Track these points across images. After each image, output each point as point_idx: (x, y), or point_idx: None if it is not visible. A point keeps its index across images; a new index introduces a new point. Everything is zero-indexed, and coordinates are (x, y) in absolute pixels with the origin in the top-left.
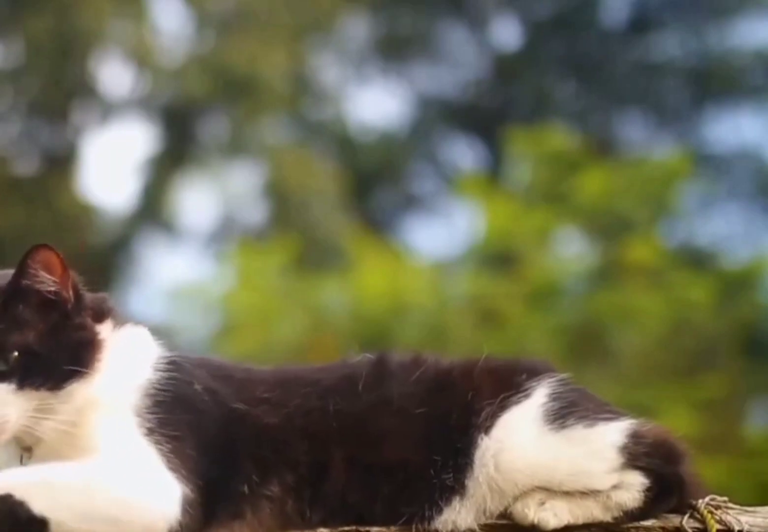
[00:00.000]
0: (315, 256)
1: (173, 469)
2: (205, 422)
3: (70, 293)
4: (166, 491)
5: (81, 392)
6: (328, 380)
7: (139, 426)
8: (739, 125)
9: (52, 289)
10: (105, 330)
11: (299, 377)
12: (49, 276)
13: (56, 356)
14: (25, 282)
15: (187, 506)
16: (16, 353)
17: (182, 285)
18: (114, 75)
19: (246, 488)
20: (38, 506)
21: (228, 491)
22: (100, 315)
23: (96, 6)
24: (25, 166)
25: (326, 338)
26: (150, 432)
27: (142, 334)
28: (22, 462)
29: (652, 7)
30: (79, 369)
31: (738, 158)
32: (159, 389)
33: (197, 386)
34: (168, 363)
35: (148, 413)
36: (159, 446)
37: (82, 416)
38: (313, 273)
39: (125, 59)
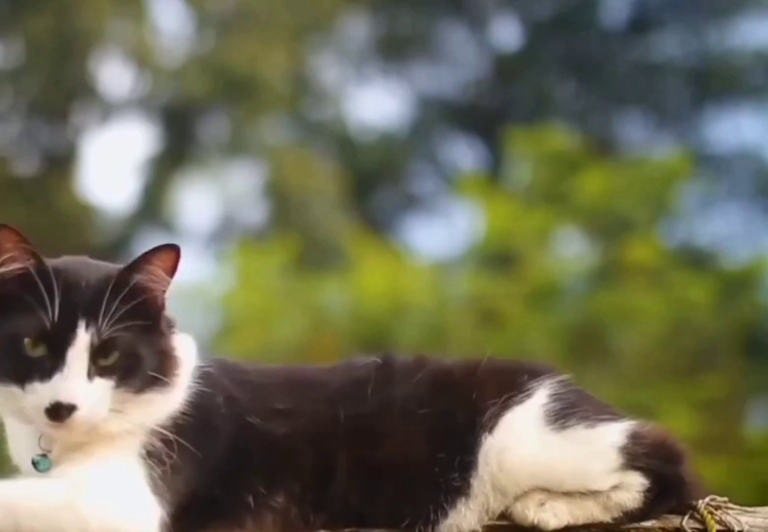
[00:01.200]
0: (315, 256)
1: (158, 493)
2: (218, 438)
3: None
4: (142, 517)
5: (157, 402)
6: (337, 383)
7: (141, 446)
8: (739, 125)
9: (163, 290)
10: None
11: (309, 380)
12: (166, 277)
13: (146, 361)
14: (138, 277)
15: (166, 529)
16: (118, 353)
17: (182, 285)
18: (114, 75)
19: (251, 500)
20: None
21: (231, 503)
22: (171, 326)
23: (96, 6)
24: (25, 166)
25: (326, 338)
26: (149, 455)
27: (190, 344)
28: (40, 444)
29: (652, 7)
30: (162, 378)
31: (738, 158)
32: (182, 412)
33: (218, 399)
34: (200, 377)
35: (159, 432)
36: (150, 471)
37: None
38: (313, 273)
39: (125, 59)
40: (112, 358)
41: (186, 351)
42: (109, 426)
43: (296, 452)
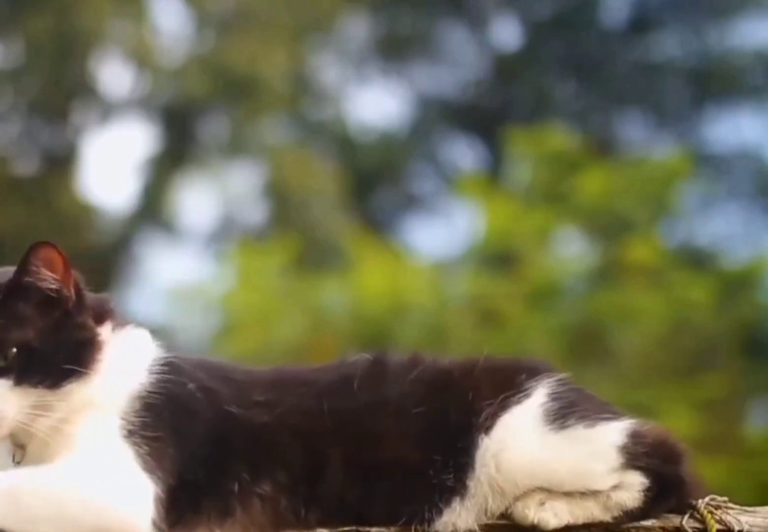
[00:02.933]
0: (315, 256)
1: (148, 470)
2: (196, 421)
3: (72, 291)
4: (138, 492)
5: (79, 391)
6: (325, 380)
7: (121, 428)
8: (739, 125)
9: (53, 287)
10: (105, 331)
11: (296, 377)
12: (50, 274)
13: (55, 354)
14: (26, 279)
15: (161, 506)
16: (14, 350)
17: (182, 285)
18: (114, 75)
19: (236, 487)
20: (5, 522)
21: (217, 489)
22: (101, 316)
23: (96, 6)
24: (25, 166)
25: (326, 338)
26: (130, 434)
27: (142, 336)
28: (14, 460)
29: (652, 7)
30: (78, 369)
31: (738, 158)
32: (150, 392)
33: (190, 386)
34: (164, 365)
35: (134, 415)
36: (137, 448)
37: (74, 415)
38: (313, 273)
39: (125, 59)
40: (8, 358)
41: (137, 344)
42: (36, 425)
43: (280, 441)
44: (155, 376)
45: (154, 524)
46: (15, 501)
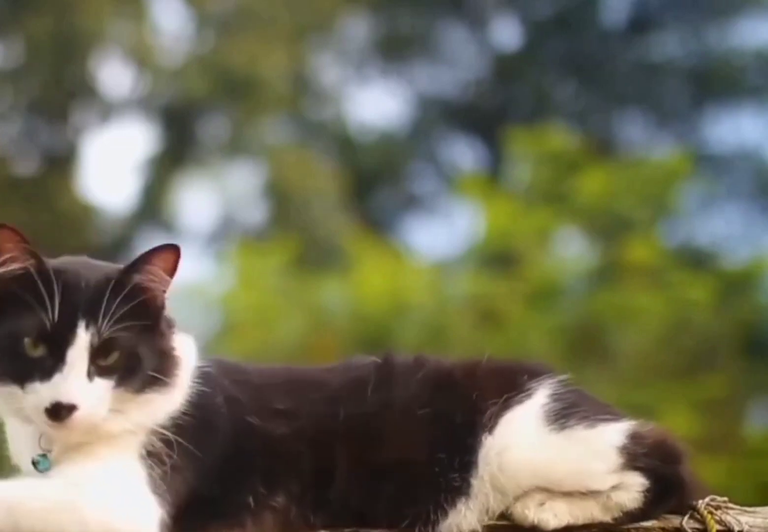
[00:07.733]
0: (315, 256)
1: (158, 493)
2: (218, 439)
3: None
4: (143, 515)
5: (156, 402)
6: (337, 384)
7: (142, 446)
8: (739, 125)
9: (163, 290)
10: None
11: (309, 381)
12: (166, 278)
13: (146, 361)
14: (138, 277)
15: (166, 529)
16: (118, 353)
17: (182, 285)
18: (114, 75)
19: (251, 500)
20: None
21: (231, 504)
22: (171, 326)
23: (96, 6)
24: (25, 166)
25: (326, 338)
26: (149, 455)
27: (189, 344)
28: (40, 444)
29: (652, 7)
30: (162, 378)
31: (738, 158)
32: (182, 412)
33: (218, 399)
34: (200, 376)
35: (160, 434)
36: (150, 471)
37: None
38: (313, 273)
39: (125, 59)
40: (112, 358)
41: (186, 351)
42: (109, 426)
43: (296, 452)
44: (191, 390)
45: None
46: (13, 515)
